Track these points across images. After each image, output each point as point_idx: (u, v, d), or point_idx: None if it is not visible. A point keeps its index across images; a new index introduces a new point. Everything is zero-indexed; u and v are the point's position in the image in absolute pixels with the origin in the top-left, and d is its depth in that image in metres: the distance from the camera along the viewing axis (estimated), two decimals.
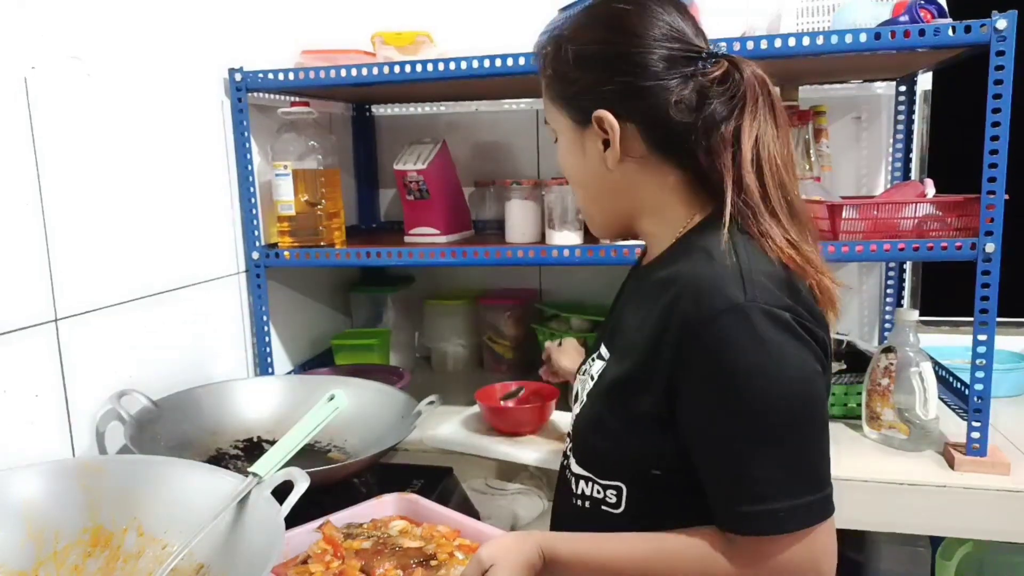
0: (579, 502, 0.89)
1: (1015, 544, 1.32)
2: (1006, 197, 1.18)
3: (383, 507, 1.04)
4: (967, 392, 1.26)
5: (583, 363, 0.99)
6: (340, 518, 1.00)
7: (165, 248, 1.28)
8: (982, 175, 1.17)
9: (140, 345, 1.22)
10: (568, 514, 0.92)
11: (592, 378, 0.90)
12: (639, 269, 0.96)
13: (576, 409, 0.93)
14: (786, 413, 0.74)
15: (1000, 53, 1.13)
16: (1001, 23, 1.13)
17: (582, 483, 0.89)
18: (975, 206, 1.21)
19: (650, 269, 0.88)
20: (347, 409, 1.11)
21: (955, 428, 1.36)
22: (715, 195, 0.84)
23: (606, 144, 0.84)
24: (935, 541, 1.38)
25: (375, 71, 1.38)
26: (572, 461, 0.91)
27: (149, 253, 1.24)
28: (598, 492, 0.87)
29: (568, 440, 0.96)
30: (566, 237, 1.43)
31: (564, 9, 1.32)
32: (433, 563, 0.90)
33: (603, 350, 0.92)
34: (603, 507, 0.86)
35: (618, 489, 0.85)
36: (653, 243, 0.91)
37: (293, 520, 0.85)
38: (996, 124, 1.15)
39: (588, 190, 0.90)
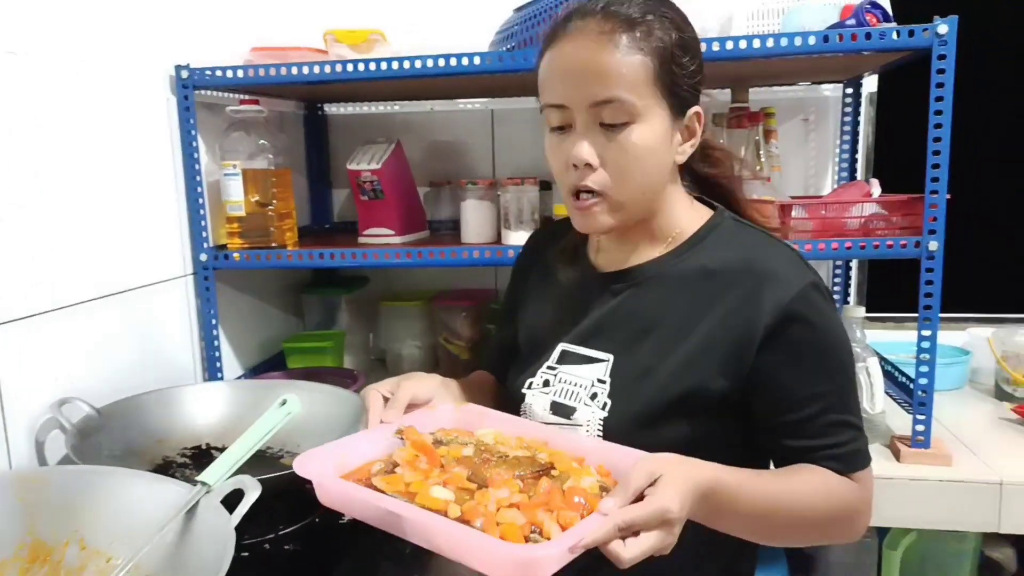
0: None
1: (956, 532, 1.36)
2: (948, 197, 1.21)
3: (437, 419, 0.91)
4: (912, 386, 1.30)
5: (529, 377, 0.96)
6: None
7: (108, 250, 1.24)
8: (926, 175, 1.21)
9: (82, 351, 1.18)
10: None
11: (600, 380, 0.89)
12: (631, 270, 0.93)
13: (593, 414, 0.88)
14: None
15: (941, 57, 1.17)
16: (942, 28, 1.16)
17: None
18: (919, 205, 1.24)
19: (663, 262, 0.91)
20: (300, 414, 1.08)
21: (900, 422, 1.40)
22: (705, 196, 0.97)
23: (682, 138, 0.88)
24: (881, 532, 1.42)
25: (327, 69, 1.36)
26: None
27: (92, 255, 1.20)
28: None
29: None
30: (522, 237, 1.42)
31: (519, 9, 1.31)
32: (554, 473, 0.77)
33: (588, 351, 0.92)
34: None
35: None
36: (646, 238, 0.93)
37: (244, 530, 0.83)
38: (939, 126, 1.19)
39: (648, 181, 0.87)
